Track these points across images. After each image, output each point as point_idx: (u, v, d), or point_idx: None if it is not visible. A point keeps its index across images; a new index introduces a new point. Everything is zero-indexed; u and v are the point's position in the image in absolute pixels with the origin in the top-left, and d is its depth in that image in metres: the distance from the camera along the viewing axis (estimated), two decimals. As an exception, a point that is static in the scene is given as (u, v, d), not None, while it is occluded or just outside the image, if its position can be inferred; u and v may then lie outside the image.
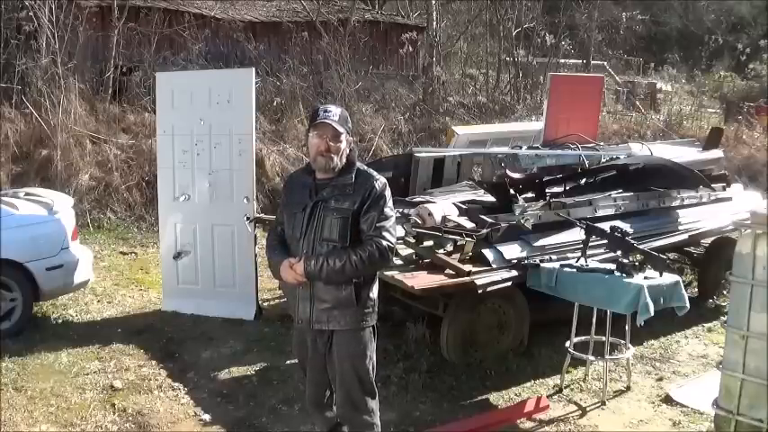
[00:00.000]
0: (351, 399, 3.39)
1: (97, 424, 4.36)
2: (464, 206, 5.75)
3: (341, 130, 3.26)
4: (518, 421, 4.49)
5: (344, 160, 3.31)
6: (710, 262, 6.73)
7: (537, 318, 5.42)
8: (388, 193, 3.33)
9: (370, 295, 3.38)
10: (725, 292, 6.47)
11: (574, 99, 8.47)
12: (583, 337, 4.91)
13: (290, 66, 13.15)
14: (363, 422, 3.41)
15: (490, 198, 6.01)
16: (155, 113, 6.99)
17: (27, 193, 6.38)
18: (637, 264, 4.71)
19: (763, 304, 3.58)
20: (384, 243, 3.24)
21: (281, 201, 3.68)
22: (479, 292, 4.77)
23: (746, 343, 3.65)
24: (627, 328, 4.78)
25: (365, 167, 3.41)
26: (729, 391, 3.73)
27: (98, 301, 6.64)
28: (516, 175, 6.47)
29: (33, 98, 10.08)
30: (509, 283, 4.95)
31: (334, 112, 3.29)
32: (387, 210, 3.30)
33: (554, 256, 5.13)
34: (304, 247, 3.28)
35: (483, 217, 5.35)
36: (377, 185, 3.29)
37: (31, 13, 10.19)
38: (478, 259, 5.04)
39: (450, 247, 5.16)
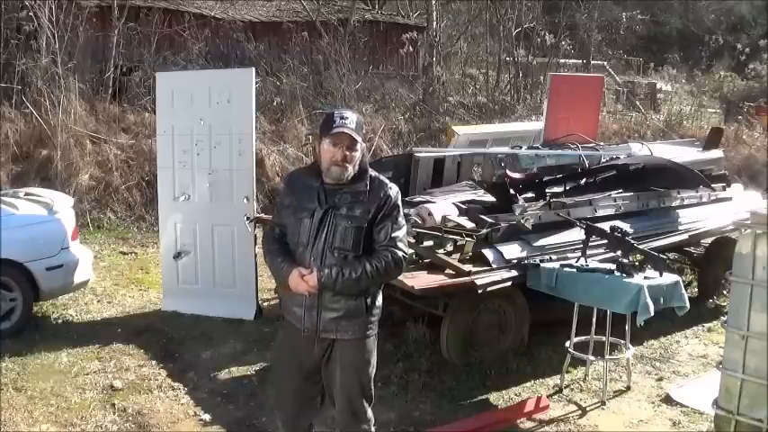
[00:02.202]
0: (352, 407, 3.27)
1: (97, 424, 4.36)
2: (464, 206, 5.75)
3: (358, 138, 3.15)
4: (518, 421, 4.49)
5: (357, 168, 3.18)
6: (710, 262, 6.74)
7: (537, 318, 5.41)
8: (400, 201, 3.25)
9: (377, 303, 3.29)
10: (725, 292, 6.47)
11: (574, 99, 8.47)
12: (583, 337, 4.91)
13: (290, 66, 13.15)
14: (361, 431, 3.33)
15: (490, 198, 6.01)
16: (155, 113, 6.99)
17: (27, 193, 6.37)
18: (637, 264, 4.71)
19: (763, 304, 3.59)
20: (399, 254, 3.15)
21: (279, 201, 3.50)
22: (479, 292, 4.76)
23: (746, 343, 3.65)
24: (627, 328, 4.79)
25: (377, 174, 3.29)
26: (729, 391, 3.73)
27: (98, 301, 6.64)
28: (516, 175, 6.47)
29: (33, 98, 10.06)
30: (509, 283, 4.94)
31: (351, 119, 3.14)
32: (400, 219, 3.22)
33: (554, 256, 5.14)
34: (312, 255, 3.12)
35: (483, 217, 5.35)
36: (391, 194, 3.19)
37: (31, 13, 10.18)
38: (478, 259, 5.04)
39: (450, 247, 5.16)
